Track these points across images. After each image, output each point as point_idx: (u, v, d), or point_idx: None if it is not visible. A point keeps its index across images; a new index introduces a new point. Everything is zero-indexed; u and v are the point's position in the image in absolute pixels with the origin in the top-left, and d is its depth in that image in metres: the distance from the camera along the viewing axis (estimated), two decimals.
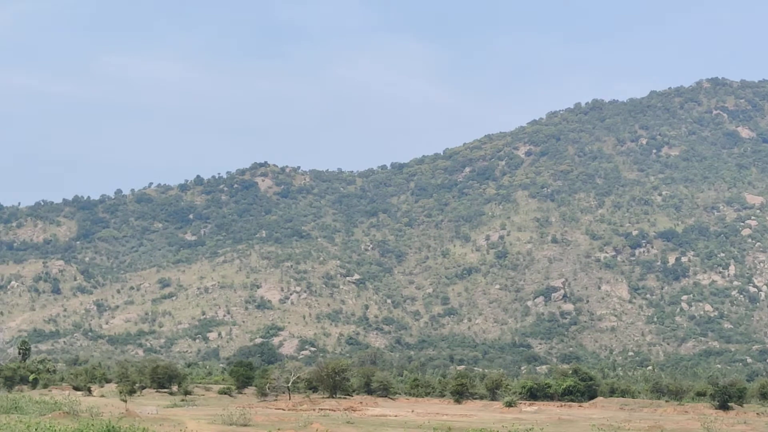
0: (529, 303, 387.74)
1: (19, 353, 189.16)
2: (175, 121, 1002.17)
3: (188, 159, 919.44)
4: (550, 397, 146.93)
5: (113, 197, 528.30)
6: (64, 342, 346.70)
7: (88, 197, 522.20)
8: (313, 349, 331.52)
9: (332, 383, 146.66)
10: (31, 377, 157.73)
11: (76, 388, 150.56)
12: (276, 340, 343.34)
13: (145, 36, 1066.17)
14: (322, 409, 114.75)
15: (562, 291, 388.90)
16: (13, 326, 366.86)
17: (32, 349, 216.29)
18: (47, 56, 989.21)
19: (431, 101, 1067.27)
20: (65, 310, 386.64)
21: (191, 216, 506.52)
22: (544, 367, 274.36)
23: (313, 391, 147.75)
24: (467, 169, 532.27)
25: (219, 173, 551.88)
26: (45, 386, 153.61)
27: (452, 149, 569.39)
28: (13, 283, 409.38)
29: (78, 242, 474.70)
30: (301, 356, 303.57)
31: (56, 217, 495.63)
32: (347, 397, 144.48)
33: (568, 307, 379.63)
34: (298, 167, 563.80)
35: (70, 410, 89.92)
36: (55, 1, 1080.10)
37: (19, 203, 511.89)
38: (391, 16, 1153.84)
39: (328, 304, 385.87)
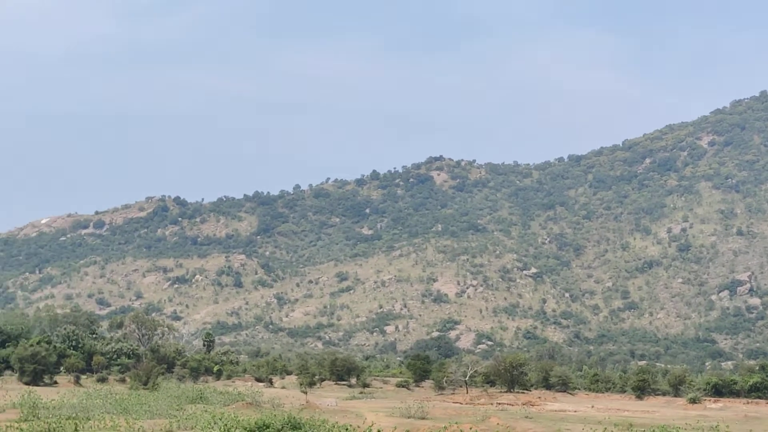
0: (714, 297, 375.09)
1: (204, 345, 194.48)
2: (352, 117, 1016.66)
3: (364, 154, 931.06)
4: (735, 394, 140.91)
5: (292, 193, 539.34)
6: (246, 334, 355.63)
7: (268, 193, 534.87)
8: (490, 343, 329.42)
9: (510, 378, 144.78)
10: (215, 368, 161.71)
11: (258, 380, 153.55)
12: (453, 334, 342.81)
13: (323, 34, 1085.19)
14: (500, 404, 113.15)
15: (749, 285, 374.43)
16: (198, 319, 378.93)
17: (216, 341, 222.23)
18: (225, 56, 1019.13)
19: (610, 92, 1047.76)
20: (247, 303, 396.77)
21: (368, 210, 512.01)
22: (729, 363, 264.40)
23: (491, 386, 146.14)
24: (647, 161, 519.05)
25: (395, 168, 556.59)
26: (228, 377, 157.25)
27: (632, 140, 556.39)
28: (197, 276, 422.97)
29: (258, 237, 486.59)
30: (477, 350, 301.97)
31: (238, 212, 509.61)
32: (525, 391, 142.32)
33: (755, 301, 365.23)
34: (474, 161, 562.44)
35: (252, 401, 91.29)
36: (232, 3, 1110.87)
37: (203, 199, 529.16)
38: (570, 7, 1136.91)
39: (505, 298, 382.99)
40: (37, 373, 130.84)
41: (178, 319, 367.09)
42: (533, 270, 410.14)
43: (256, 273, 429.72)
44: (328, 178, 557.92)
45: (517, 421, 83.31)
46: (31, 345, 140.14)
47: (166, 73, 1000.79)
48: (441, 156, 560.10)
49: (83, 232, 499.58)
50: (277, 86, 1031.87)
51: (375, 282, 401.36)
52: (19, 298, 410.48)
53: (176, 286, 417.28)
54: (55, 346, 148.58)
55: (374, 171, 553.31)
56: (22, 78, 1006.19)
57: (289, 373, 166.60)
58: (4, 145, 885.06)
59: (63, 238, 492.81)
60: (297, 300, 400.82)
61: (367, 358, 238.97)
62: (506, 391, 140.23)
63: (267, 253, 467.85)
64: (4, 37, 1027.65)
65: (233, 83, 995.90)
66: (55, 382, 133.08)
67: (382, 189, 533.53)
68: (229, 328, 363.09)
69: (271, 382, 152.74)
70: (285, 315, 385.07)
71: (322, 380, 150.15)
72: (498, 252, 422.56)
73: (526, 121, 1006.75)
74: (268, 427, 47.58)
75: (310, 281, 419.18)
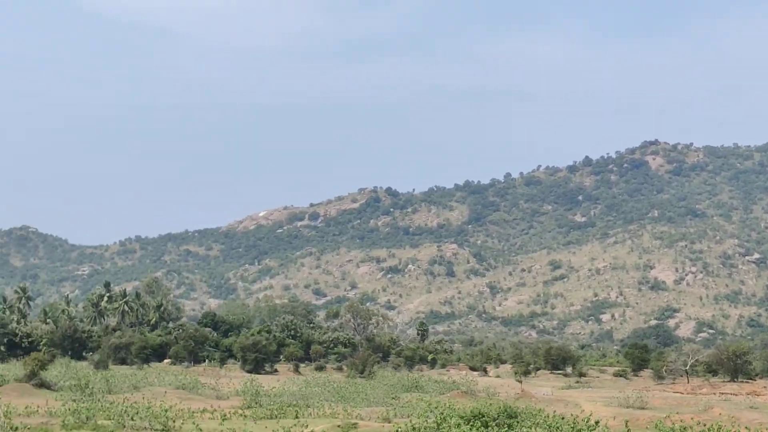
0: None
1: (418, 334, 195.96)
2: (562, 102, 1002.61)
3: (576, 140, 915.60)
4: None
5: (503, 181, 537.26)
6: (459, 323, 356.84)
7: (479, 182, 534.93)
8: (711, 331, 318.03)
9: (733, 367, 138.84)
10: (429, 357, 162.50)
11: (473, 368, 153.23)
12: (671, 322, 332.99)
13: (534, 20, 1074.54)
14: (722, 393, 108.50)
15: None
16: (411, 308, 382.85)
17: (429, 330, 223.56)
18: (432, 46, 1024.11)
19: None
20: (459, 292, 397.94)
21: (580, 197, 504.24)
22: None
23: (713, 375, 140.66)
24: None
25: (608, 153, 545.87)
26: (443, 366, 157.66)
27: None
28: (410, 266, 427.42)
29: (470, 226, 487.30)
30: (698, 339, 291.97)
31: (448, 201, 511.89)
32: (749, 381, 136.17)
33: None
34: (691, 144, 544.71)
35: (467, 390, 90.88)
36: None
37: (414, 190, 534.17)
38: None
39: (726, 285, 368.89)
40: (258, 361, 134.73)
41: (391, 308, 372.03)
42: (756, 256, 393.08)
43: (468, 262, 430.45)
44: (539, 166, 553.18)
45: (741, 412, 79.47)
46: (252, 334, 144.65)
47: (375, 65, 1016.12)
48: (656, 140, 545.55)
49: (299, 224, 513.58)
50: (487, 74, 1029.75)
51: (589, 270, 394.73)
52: (240, 289, 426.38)
53: (389, 276, 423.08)
54: (274, 336, 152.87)
55: (587, 157, 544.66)
56: (227, 71, 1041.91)
57: (503, 362, 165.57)
58: (221, 141, 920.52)
59: (280, 231, 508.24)
60: (510, 289, 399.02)
61: (582, 347, 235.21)
62: (729, 381, 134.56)
63: (479, 242, 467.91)
64: (211, 32, 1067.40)
65: (442, 73, 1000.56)
66: (276, 371, 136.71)
67: (595, 175, 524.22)
68: (442, 317, 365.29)
69: (485, 371, 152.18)
70: (498, 304, 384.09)
71: (537, 369, 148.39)
72: (718, 237, 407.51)
73: (748, 101, 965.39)
74: (483, 416, 46.96)
75: (523, 270, 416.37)
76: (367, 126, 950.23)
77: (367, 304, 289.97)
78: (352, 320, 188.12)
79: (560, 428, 46.47)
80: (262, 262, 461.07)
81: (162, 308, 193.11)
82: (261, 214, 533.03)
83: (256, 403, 72.55)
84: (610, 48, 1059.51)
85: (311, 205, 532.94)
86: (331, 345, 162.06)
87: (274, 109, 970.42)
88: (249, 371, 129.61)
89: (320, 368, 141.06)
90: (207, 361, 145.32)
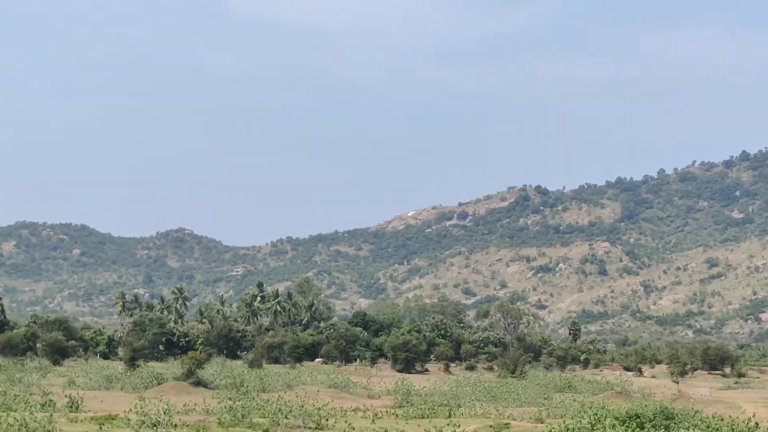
0: None
1: (570, 334, 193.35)
2: (717, 95, 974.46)
3: (733, 134, 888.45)
4: None
5: (656, 177, 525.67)
6: (612, 323, 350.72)
7: (631, 178, 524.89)
8: None
9: None
10: (582, 357, 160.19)
11: (627, 369, 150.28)
12: None
13: (686, 10, 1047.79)
14: None
15: None
16: (563, 307, 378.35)
17: (581, 330, 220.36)
18: (583, 42, 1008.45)
19: None
20: (612, 291, 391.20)
21: (737, 193, 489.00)
22: None
23: None
24: None
25: (766, 147, 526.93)
26: (596, 366, 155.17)
27: None
28: (560, 265, 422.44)
29: (622, 224, 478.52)
30: None
31: (600, 199, 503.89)
32: None
33: None
34: None
35: (621, 390, 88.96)
36: None
37: (564, 187, 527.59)
38: None
39: None
40: (409, 360, 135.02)
41: (542, 307, 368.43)
42: None
43: (621, 260, 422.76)
44: (694, 161, 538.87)
45: None
46: (403, 334, 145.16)
47: (523, 60, 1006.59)
48: None
49: (447, 223, 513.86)
50: (638, 67, 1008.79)
51: (748, 267, 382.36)
52: (390, 289, 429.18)
53: (540, 275, 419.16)
54: (424, 335, 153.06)
55: (744, 152, 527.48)
56: (380, 74, 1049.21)
57: (658, 362, 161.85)
58: (369, 143, 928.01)
59: (428, 230, 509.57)
60: (665, 287, 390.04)
61: (741, 347, 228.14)
62: None
63: (631, 240, 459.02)
64: (365, 35, 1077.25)
65: (592, 69, 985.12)
66: (426, 370, 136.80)
67: (752, 170, 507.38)
68: (594, 316, 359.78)
69: (640, 371, 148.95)
70: (652, 303, 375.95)
71: (694, 369, 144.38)
72: None
73: None
74: (639, 417, 45.73)
75: (678, 268, 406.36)
76: (515, 123, 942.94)
77: (517, 303, 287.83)
78: (502, 319, 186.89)
79: (719, 430, 44.88)
80: (412, 262, 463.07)
81: (313, 308, 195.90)
82: (410, 214, 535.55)
83: (408, 402, 72.54)
84: (759, 36, 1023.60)
85: (460, 204, 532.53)
86: (482, 344, 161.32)
87: (422, 109, 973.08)
88: (400, 370, 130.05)
89: (471, 368, 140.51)
90: (358, 360, 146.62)
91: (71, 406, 58.66)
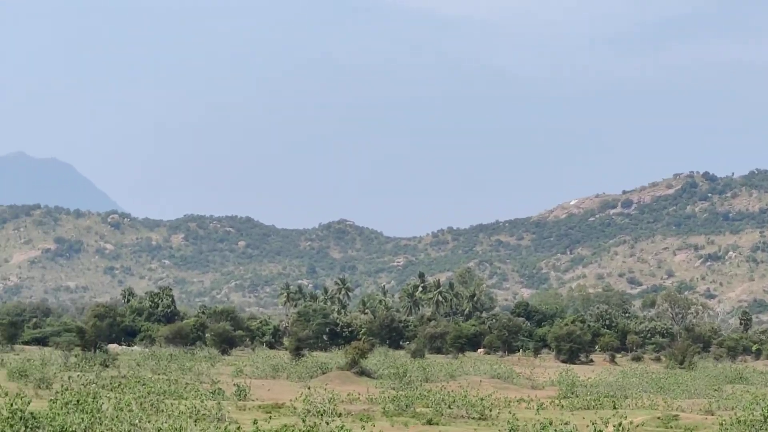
0: None
1: (741, 323, 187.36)
2: None
3: None
4: None
5: None
6: None
7: None
8: None
9: None
10: (753, 348, 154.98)
11: None
12: None
13: None
14: None
15: None
16: (733, 297, 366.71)
17: (753, 320, 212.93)
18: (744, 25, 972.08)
19: None
20: None
21: None
22: None
23: None
24: None
25: None
26: None
27: None
28: (730, 253, 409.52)
29: None
30: None
31: None
32: None
33: None
34: None
35: None
36: None
37: (733, 173, 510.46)
38: None
39: None
40: (573, 351, 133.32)
41: (711, 297, 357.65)
42: None
43: None
44: None
45: None
46: (566, 324, 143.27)
47: (692, 46, 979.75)
48: None
49: (611, 212, 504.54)
50: None
51: None
52: (552, 279, 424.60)
53: (708, 263, 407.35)
54: (589, 326, 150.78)
55: None
56: (535, 63, 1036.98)
57: None
58: (529, 133, 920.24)
59: (592, 219, 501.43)
60: None
61: None
62: None
63: None
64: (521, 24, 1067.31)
65: (764, 52, 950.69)
66: (591, 361, 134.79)
67: None
68: (766, 305, 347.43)
69: None
70: None
71: None
72: None
73: None
74: None
75: None
76: (680, 110, 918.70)
77: (685, 292, 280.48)
78: (669, 309, 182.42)
79: None
80: (574, 251, 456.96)
81: (475, 298, 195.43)
82: (572, 203, 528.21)
83: (572, 393, 71.53)
84: None
85: (624, 192, 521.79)
86: (648, 335, 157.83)
87: (583, 97, 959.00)
88: (563, 361, 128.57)
89: (637, 359, 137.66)
90: (521, 350, 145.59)
91: (239, 395, 60.01)
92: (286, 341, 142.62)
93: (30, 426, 33.82)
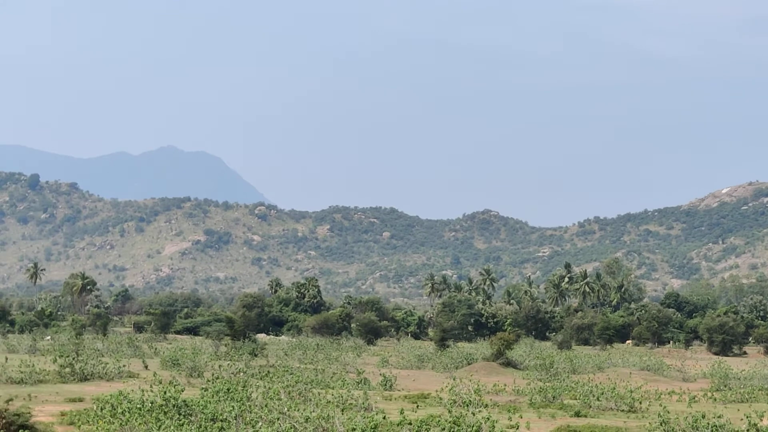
0: None
1: None
2: None
3: None
4: None
5: None
6: None
7: None
8: None
9: None
10: None
11: None
12: None
13: None
14: None
15: None
16: None
17: None
18: None
19: None
20: None
21: None
22: None
23: None
24: None
25: None
26: None
27: None
28: None
29: None
30: None
31: None
32: None
33: None
34: None
35: None
36: None
37: None
38: None
39: None
40: (726, 343, 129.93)
41: None
42: None
43: None
44: None
45: None
46: (718, 315, 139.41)
47: None
48: None
49: (765, 200, 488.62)
50: None
51: None
52: (703, 269, 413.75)
53: None
54: (742, 317, 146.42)
55: None
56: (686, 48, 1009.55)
57: None
58: (675, 119, 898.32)
59: (745, 207, 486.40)
60: None
61: None
62: None
63: None
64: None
65: None
66: (744, 353, 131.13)
67: None
68: None
69: None
70: None
71: None
72: None
73: None
74: None
75: None
76: None
77: None
78: None
79: None
80: (727, 241, 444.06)
81: (623, 289, 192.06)
82: (724, 191, 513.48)
83: (725, 386, 69.46)
84: None
85: None
86: None
87: (733, 80, 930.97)
88: (716, 353, 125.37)
89: None
90: (671, 342, 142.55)
91: (385, 385, 60.31)
92: (431, 332, 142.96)
93: (183, 413, 34.61)
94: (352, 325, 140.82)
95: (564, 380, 66.65)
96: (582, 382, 61.97)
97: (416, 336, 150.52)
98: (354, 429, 30.38)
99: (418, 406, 42.84)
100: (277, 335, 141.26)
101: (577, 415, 47.45)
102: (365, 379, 61.25)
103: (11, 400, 37.54)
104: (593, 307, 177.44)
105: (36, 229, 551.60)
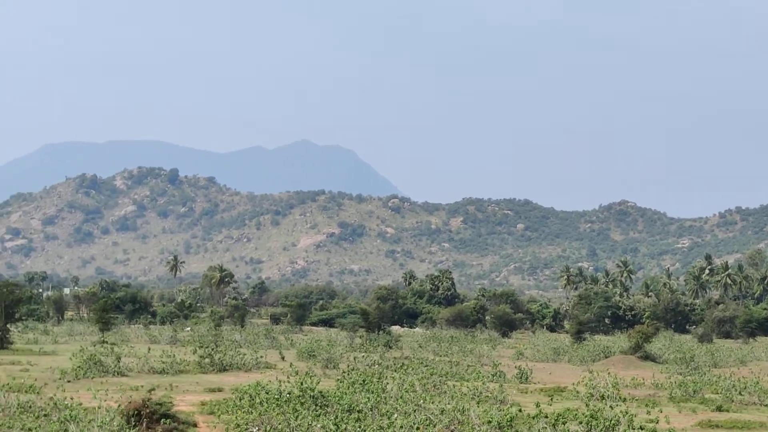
0: None
1: None
2: None
3: None
4: None
5: None
6: None
7: None
8: None
9: None
10: None
11: None
12: None
13: None
14: None
15: None
16: None
17: None
18: None
19: None
20: None
21: None
22: None
23: None
24: None
25: None
26: None
27: None
28: None
29: None
30: None
31: None
32: None
33: None
34: None
35: None
36: None
37: None
38: None
39: None
40: None
41: None
42: None
43: None
44: None
45: None
46: None
47: None
48: None
49: None
50: None
51: None
52: None
53: None
54: None
55: None
56: None
57: None
58: None
59: None
60: None
61: None
62: None
63: None
64: None
65: None
66: None
67: None
68: None
69: None
70: None
71: None
72: None
73: None
74: None
75: None
76: None
77: None
78: None
79: None
80: None
81: (766, 280, 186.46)
82: None
83: None
84: None
85: None
86: None
87: None
88: None
89: None
90: None
91: (521, 377, 59.77)
92: (566, 324, 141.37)
93: (319, 404, 34.91)
94: (486, 318, 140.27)
95: (705, 374, 64.93)
96: (724, 376, 60.25)
97: (551, 329, 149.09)
98: (489, 422, 30.10)
99: (553, 400, 42.26)
100: (411, 327, 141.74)
101: (719, 409, 46.12)
102: (500, 371, 60.78)
103: (153, 389, 38.49)
104: (735, 300, 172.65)
105: (175, 223, 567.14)
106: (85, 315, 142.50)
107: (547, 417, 29.93)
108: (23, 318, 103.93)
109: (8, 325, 79.01)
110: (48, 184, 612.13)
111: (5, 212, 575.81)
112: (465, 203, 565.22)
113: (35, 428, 28.29)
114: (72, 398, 35.80)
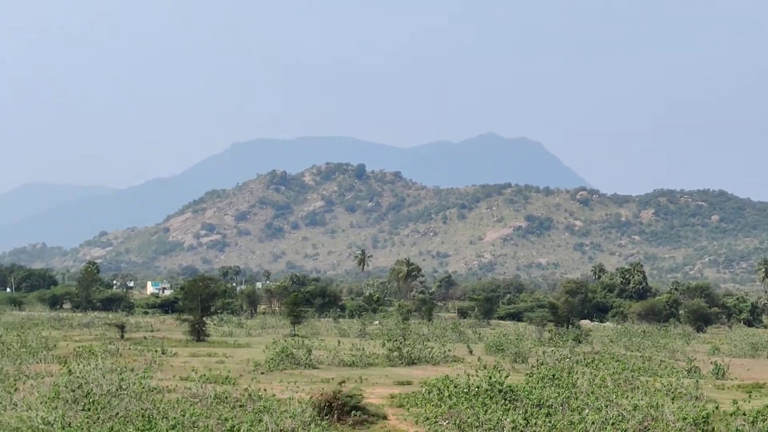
0: None
1: None
2: None
3: None
4: None
5: None
6: None
7: None
8: None
9: None
10: None
11: None
12: None
13: None
14: None
15: None
16: None
17: None
18: None
19: None
20: None
21: None
22: None
23: None
24: None
25: None
26: None
27: None
28: None
29: None
30: None
31: None
32: None
33: None
34: None
35: None
36: None
37: None
38: None
39: None
40: None
41: None
42: None
43: None
44: None
45: None
46: None
47: None
48: None
49: None
50: None
51: None
52: None
53: None
54: None
55: None
56: None
57: None
58: None
59: None
60: None
61: None
62: None
63: None
64: None
65: None
66: None
67: None
68: None
69: None
70: None
71: None
72: None
73: None
74: None
75: None
76: None
77: None
78: None
79: None
80: None
81: None
82: None
83: None
84: None
85: None
86: None
87: None
88: None
89: None
90: None
91: (717, 373, 57.84)
92: (765, 319, 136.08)
93: (508, 398, 34.59)
94: (680, 312, 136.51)
95: None
96: None
97: (749, 323, 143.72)
98: (684, 418, 29.17)
99: (752, 396, 40.62)
100: (601, 322, 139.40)
101: None
102: (695, 367, 58.92)
103: (344, 382, 39.02)
104: None
105: (363, 217, 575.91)
106: (276, 308, 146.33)
107: (745, 414, 28.79)
108: (219, 311, 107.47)
109: (204, 319, 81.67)
110: (240, 181, 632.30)
111: (200, 208, 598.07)
112: (656, 195, 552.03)
113: (231, 418, 29.06)
114: (265, 389, 36.73)
